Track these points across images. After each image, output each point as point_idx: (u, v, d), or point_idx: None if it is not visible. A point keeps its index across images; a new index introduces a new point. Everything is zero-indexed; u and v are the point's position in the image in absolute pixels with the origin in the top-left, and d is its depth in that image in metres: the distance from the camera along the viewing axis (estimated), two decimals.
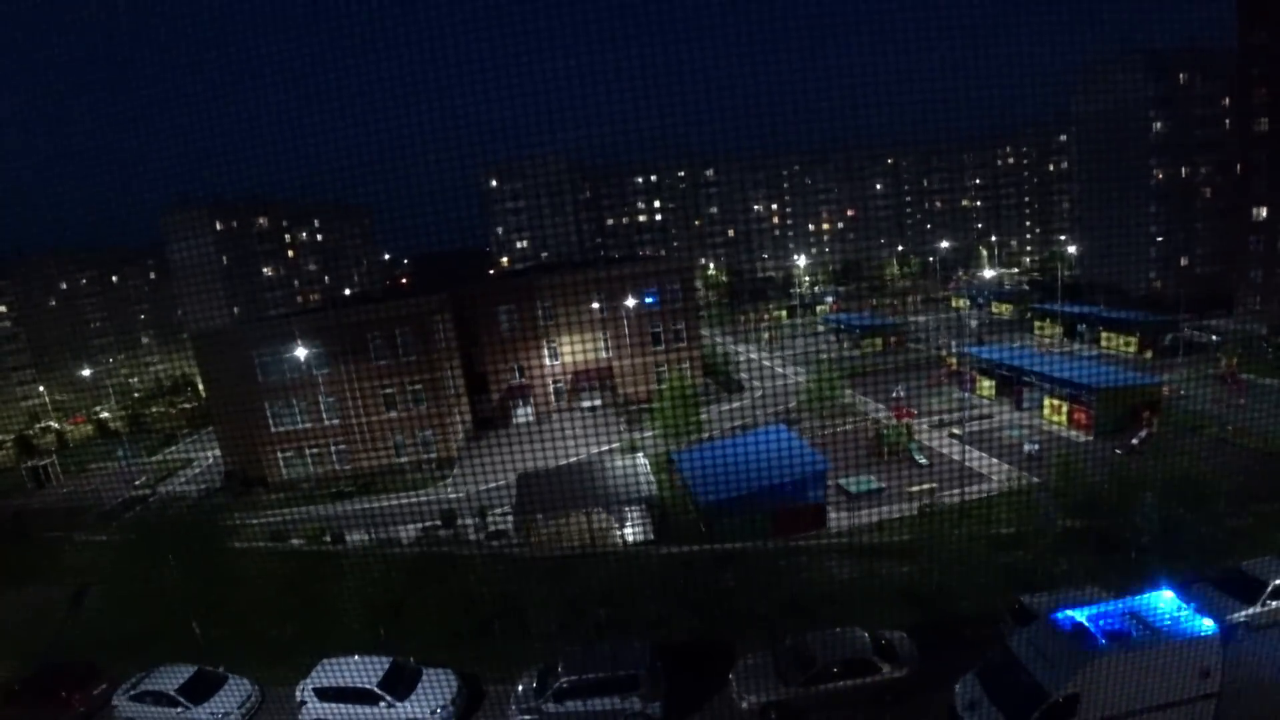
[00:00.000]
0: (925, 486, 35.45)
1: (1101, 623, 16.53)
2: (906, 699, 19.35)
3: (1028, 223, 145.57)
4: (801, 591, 25.87)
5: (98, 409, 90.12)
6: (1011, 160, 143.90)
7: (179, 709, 22.87)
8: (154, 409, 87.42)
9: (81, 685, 25.05)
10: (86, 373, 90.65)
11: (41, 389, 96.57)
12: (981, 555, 26.19)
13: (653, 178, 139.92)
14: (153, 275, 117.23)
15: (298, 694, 22.32)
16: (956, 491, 33.61)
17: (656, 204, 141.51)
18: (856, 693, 19.42)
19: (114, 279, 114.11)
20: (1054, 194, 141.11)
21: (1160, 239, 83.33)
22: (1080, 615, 17.03)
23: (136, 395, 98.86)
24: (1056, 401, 44.97)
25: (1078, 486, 28.41)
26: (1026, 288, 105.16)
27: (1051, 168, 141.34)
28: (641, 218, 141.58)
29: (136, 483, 53.80)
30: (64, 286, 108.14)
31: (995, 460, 38.72)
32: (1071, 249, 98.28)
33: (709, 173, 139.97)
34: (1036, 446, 39.10)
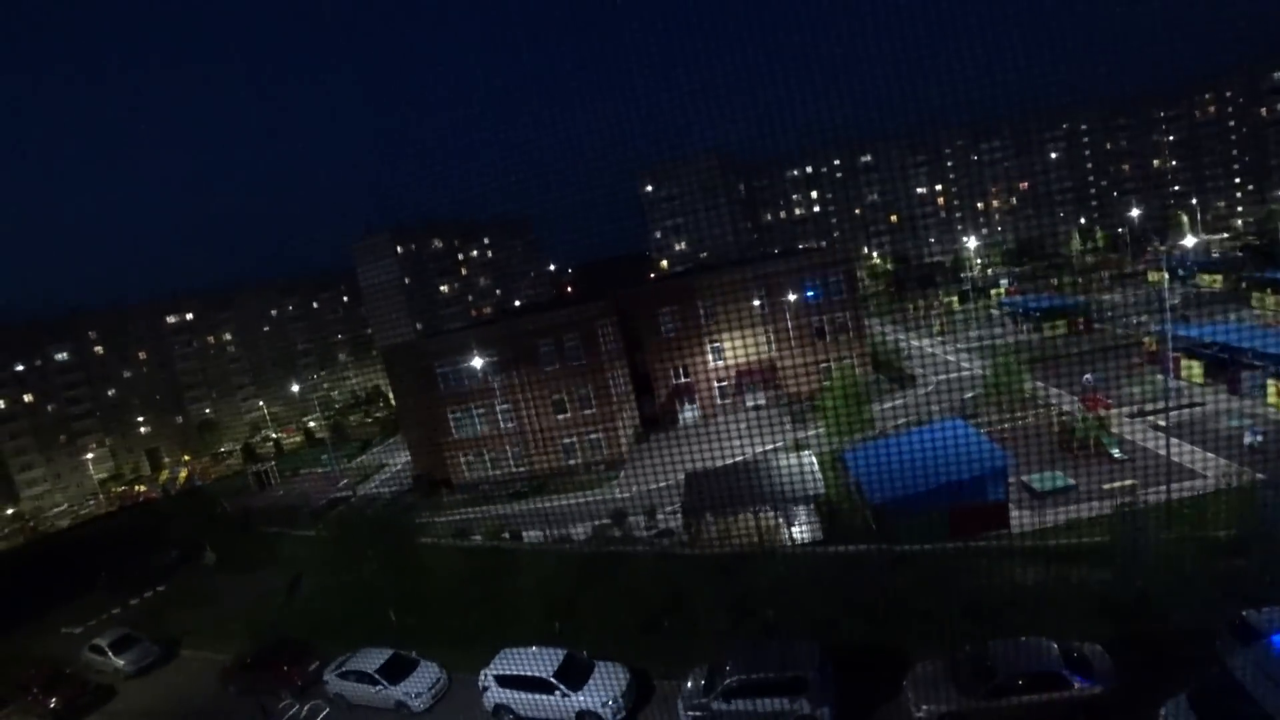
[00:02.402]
0: (1124, 483, 32.28)
1: None
2: (1102, 719, 17.69)
3: (1237, 180, 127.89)
4: (982, 596, 24.24)
5: (306, 420, 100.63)
6: (1213, 108, 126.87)
7: (378, 688, 25.24)
8: (352, 418, 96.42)
9: (299, 661, 28.47)
10: (295, 388, 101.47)
11: (260, 403, 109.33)
12: (1194, 561, 23.40)
13: (808, 168, 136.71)
14: (345, 298, 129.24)
15: (480, 680, 23.91)
16: (1161, 489, 30.33)
17: (814, 194, 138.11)
18: (1044, 709, 17.96)
19: (314, 304, 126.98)
20: (1271, 142, 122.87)
21: None
22: None
23: (337, 406, 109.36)
24: None
25: None
26: (1240, 254, 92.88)
27: (1265, 111, 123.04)
28: (799, 210, 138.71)
29: (340, 484, 59.42)
30: (274, 313, 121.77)
31: (1208, 453, 34.52)
32: None
33: (866, 158, 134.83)
34: (1261, 437, 34.48)
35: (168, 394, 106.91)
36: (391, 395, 74.73)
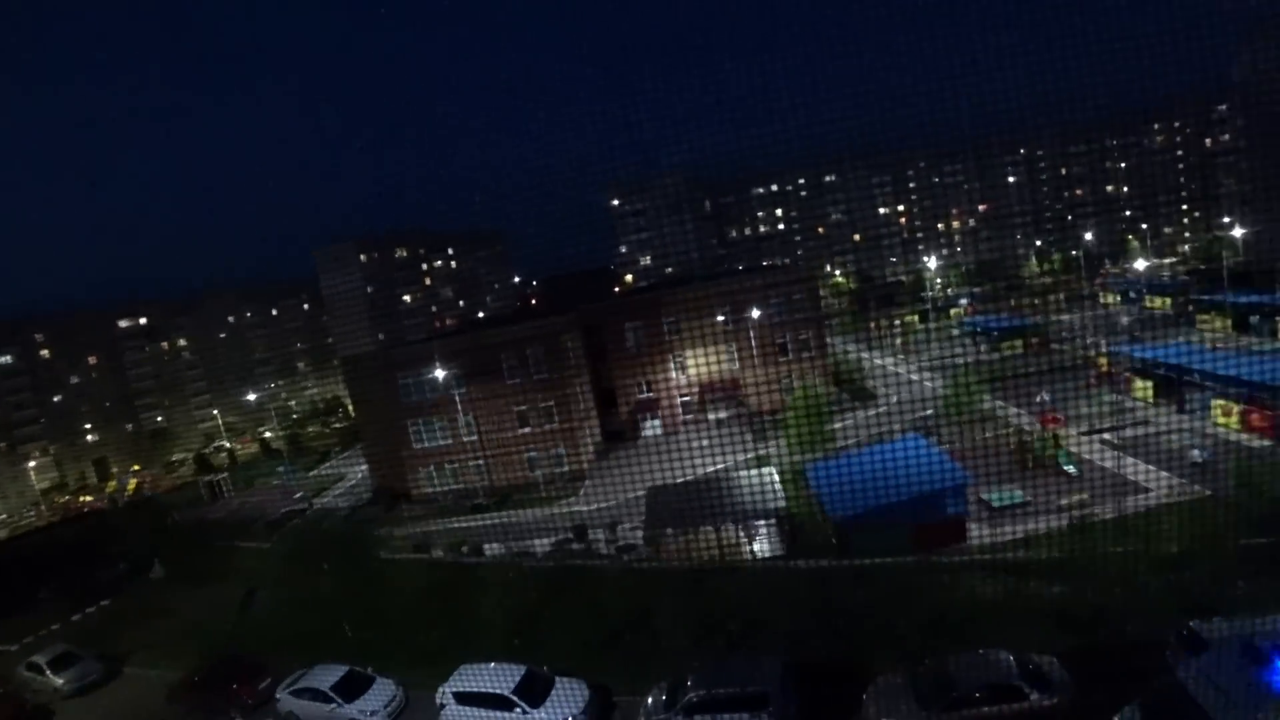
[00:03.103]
0: (1076, 499, 32.98)
1: None
2: None
3: (1185, 206, 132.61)
4: (941, 610, 24.53)
5: (262, 430, 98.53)
6: (1162, 138, 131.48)
7: (332, 705, 24.60)
8: (310, 429, 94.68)
9: (250, 679, 27.58)
10: (252, 397, 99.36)
11: (215, 413, 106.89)
12: (1144, 575, 23.98)
13: (773, 186, 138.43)
14: (306, 306, 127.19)
15: (438, 697, 23.44)
16: (1112, 504, 31.06)
17: (778, 213, 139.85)
18: None
19: (274, 312, 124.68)
20: (1216, 172, 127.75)
21: None
22: (1266, 645, 15.29)
23: (295, 417, 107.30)
24: (1228, 403, 40.75)
25: (1258, 498, 25.59)
26: (1187, 278, 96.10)
27: (1211, 141, 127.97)
28: (763, 228, 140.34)
29: (296, 496, 58.18)
30: (232, 320, 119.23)
31: (1157, 469, 35.49)
32: (1239, 231, 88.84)
33: (830, 177, 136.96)
34: (1206, 454, 35.55)
35: (118, 401, 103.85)
36: (351, 406, 73.56)
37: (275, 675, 27.43)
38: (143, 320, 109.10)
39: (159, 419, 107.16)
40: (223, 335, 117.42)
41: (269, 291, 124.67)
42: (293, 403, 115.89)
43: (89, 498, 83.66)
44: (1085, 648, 20.62)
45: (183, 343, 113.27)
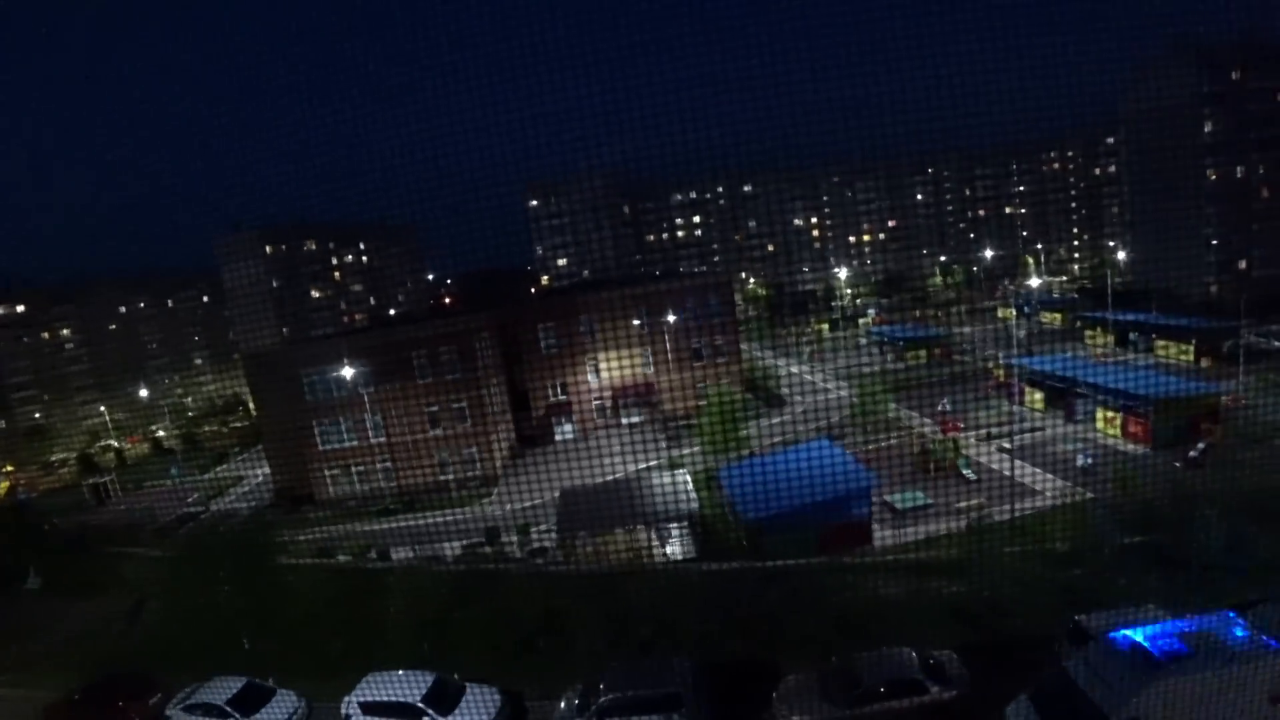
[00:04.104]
0: (973, 502, 34.60)
1: (1163, 644, 15.82)
2: None
3: (1076, 229, 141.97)
4: (847, 610, 25.35)
5: (153, 428, 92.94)
6: (1057, 165, 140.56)
7: None
8: (207, 428, 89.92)
9: (138, 696, 25.72)
10: (144, 393, 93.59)
11: (102, 409, 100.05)
12: (1034, 573, 25.39)
13: (691, 193, 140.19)
14: (205, 298, 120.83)
15: (343, 708, 22.58)
16: (1006, 507, 32.72)
17: (696, 219, 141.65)
18: (904, 714, 18.92)
19: (169, 303, 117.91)
20: (1103, 198, 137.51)
21: (1216, 242, 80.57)
22: (1140, 636, 16.35)
23: (190, 415, 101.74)
24: (1110, 413, 43.62)
25: (1136, 501, 27.43)
26: (1076, 295, 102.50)
27: (1099, 171, 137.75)
28: (681, 233, 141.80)
29: (190, 499, 55.17)
30: (123, 310, 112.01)
31: (1047, 474, 37.61)
32: (1122, 254, 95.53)
33: (747, 187, 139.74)
34: (1090, 460, 37.91)
35: None
36: (252, 404, 70.23)
37: (167, 691, 25.71)
38: (19, 308, 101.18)
39: (36, 415, 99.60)
40: (112, 327, 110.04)
41: (164, 282, 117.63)
42: (189, 400, 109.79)
43: None
44: (982, 643, 21.66)
45: (65, 333, 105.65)
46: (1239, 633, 16.02)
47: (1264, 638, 15.92)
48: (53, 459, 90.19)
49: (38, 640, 33.41)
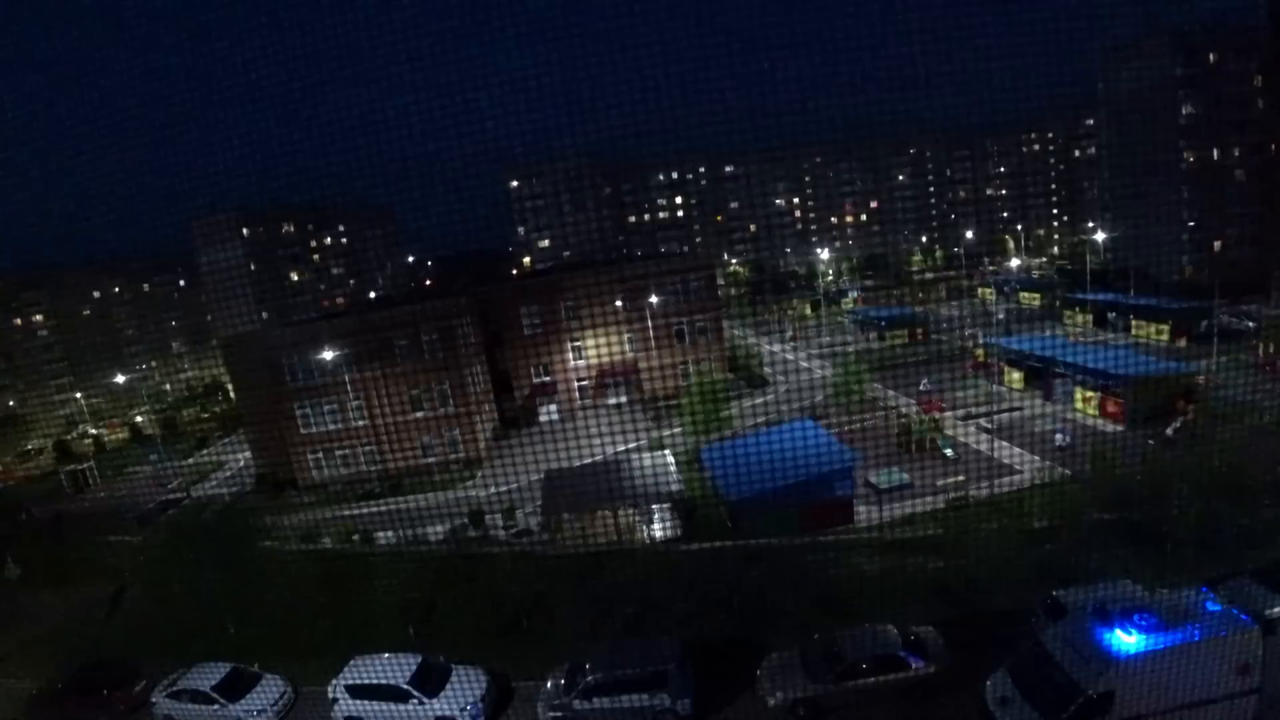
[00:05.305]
0: (953, 480, 35.06)
1: (1137, 617, 16.22)
2: (936, 695, 19.12)
3: (1055, 210, 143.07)
4: (830, 587, 25.69)
5: (132, 414, 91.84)
6: (1037, 147, 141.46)
7: (215, 706, 23.26)
8: (186, 413, 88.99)
9: (122, 684, 25.59)
10: (121, 379, 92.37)
11: (79, 396, 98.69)
12: (1012, 549, 25.83)
13: (673, 174, 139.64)
14: (183, 283, 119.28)
15: (330, 691, 22.61)
16: (986, 485, 33.20)
17: (678, 200, 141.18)
18: (885, 689, 19.26)
19: (145, 287, 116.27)
20: (1082, 180, 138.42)
21: (1192, 224, 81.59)
22: (1114, 610, 16.74)
23: (169, 400, 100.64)
24: (1088, 392, 44.23)
25: (1111, 478, 27.89)
26: (1055, 276, 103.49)
27: (1079, 153, 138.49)
28: (663, 215, 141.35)
29: (170, 486, 54.73)
30: (98, 295, 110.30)
31: (1025, 453, 38.18)
32: (1100, 236, 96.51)
33: (729, 168, 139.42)
34: (1067, 438, 38.48)
35: None
36: (232, 388, 69.51)
37: (151, 678, 25.59)
38: None
39: (10, 402, 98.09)
40: (87, 312, 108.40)
41: (141, 265, 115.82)
42: (167, 385, 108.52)
43: None
44: (961, 618, 22.07)
45: (39, 318, 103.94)
46: (1211, 607, 16.42)
47: (1234, 611, 16.36)
48: (29, 447, 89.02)
49: (17, 631, 33.07)
